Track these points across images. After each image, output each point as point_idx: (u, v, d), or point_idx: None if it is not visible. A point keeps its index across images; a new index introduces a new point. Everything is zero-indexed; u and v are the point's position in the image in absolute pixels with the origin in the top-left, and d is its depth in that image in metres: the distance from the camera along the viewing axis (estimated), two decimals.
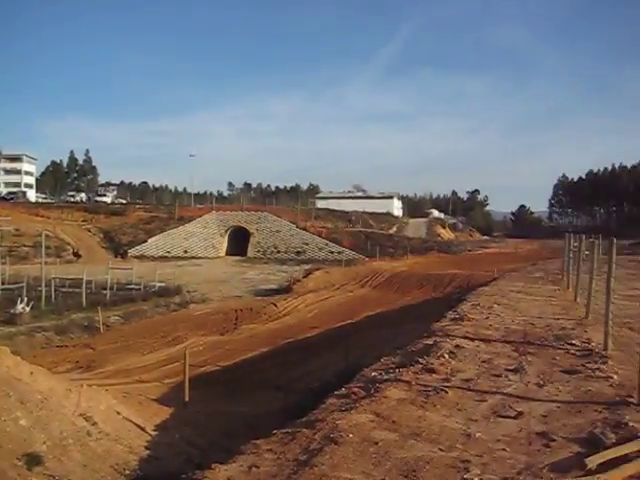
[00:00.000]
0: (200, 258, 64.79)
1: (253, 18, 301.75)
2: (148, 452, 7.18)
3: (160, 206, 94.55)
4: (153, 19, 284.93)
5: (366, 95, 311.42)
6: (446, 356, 7.92)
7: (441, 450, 4.71)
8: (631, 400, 6.05)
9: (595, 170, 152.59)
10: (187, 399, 12.37)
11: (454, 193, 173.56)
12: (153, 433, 8.38)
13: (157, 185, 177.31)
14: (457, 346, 8.63)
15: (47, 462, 5.55)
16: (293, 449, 4.89)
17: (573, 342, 9.21)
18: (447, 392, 6.24)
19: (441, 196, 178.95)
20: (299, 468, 4.40)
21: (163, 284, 37.97)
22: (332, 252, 65.24)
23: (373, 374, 7.42)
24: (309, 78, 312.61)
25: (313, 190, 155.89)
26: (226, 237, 71.54)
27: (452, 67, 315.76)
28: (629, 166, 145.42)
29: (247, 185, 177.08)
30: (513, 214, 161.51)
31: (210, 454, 7.96)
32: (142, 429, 8.21)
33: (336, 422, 5.31)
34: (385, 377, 7.01)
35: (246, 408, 14.10)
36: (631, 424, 5.29)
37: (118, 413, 8.39)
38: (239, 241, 70.33)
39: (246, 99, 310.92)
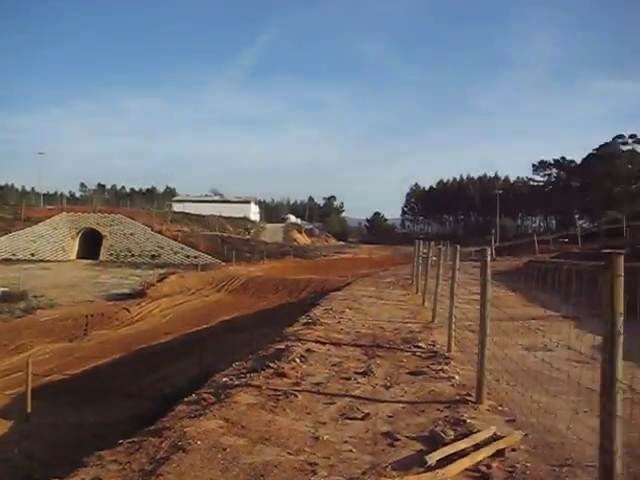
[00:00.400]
0: (49, 261, 61.75)
1: (108, 15, 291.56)
2: None
3: (5, 206, 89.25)
4: None
5: (225, 99, 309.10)
6: (297, 360, 8.00)
7: (289, 454, 4.75)
8: (469, 399, 6.41)
9: (445, 180, 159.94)
10: (29, 411, 11.77)
11: (311, 199, 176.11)
12: None
13: (2, 183, 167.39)
14: (308, 350, 8.75)
15: None
16: (139, 459, 4.75)
17: (419, 345, 9.61)
18: (297, 396, 6.31)
19: (298, 202, 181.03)
20: (145, 478, 4.29)
21: (6, 289, 35.92)
22: (188, 256, 64.32)
23: (224, 379, 7.37)
24: (167, 79, 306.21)
25: (169, 193, 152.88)
26: (77, 240, 68.65)
27: (311, 74, 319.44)
28: (475, 177, 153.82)
29: (100, 186, 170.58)
30: (368, 221, 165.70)
31: (53, 468, 7.61)
32: None
33: (184, 429, 5.22)
34: (236, 382, 6.97)
35: (95, 418, 13.61)
36: (469, 421, 5.60)
37: None
38: (91, 244, 67.70)
39: (101, 97, 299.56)
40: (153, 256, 64.97)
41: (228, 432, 5.20)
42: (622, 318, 3.27)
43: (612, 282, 3.30)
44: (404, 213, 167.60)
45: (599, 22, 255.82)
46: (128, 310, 30.67)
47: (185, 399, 6.72)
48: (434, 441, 5.08)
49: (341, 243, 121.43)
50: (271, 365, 7.65)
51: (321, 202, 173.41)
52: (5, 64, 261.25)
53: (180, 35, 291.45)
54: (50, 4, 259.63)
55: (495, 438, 5.09)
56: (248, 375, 7.32)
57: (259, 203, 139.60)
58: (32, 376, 12.75)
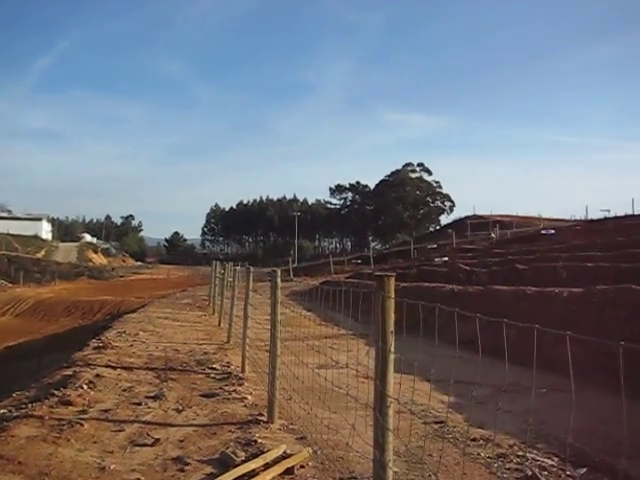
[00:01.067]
0: None
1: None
2: None
3: None
4: None
5: (14, 109, 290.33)
6: (85, 387, 7.64)
7: None
8: (261, 418, 6.49)
9: (245, 201, 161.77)
10: None
11: (108, 217, 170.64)
12: None
13: None
14: (97, 375, 8.40)
15: None
16: None
17: (214, 366, 9.59)
18: (83, 425, 6.01)
19: (95, 220, 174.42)
20: None
21: None
22: None
23: (1, 411, 6.85)
24: None
25: None
26: None
27: (107, 89, 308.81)
28: (275, 199, 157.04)
29: None
30: (167, 240, 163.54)
31: None
32: None
33: None
34: (15, 414, 6.49)
35: None
36: (260, 441, 5.68)
37: None
38: None
39: None
40: None
41: (2, 470, 4.83)
42: (393, 337, 3.48)
43: (383, 303, 3.50)
44: (204, 233, 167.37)
45: (392, 57, 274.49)
46: None
47: None
48: (225, 463, 5.08)
49: (139, 263, 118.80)
50: (56, 393, 7.24)
51: (119, 221, 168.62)
52: None
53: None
54: None
55: (285, 456, 5.20)
56: (30, 405, 6.85)
57: (52, 221, 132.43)
58: None
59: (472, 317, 3.09)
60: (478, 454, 5.76)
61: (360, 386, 5.58)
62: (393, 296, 3.47)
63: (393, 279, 3.52)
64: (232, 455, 5.19)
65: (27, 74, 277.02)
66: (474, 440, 6.15)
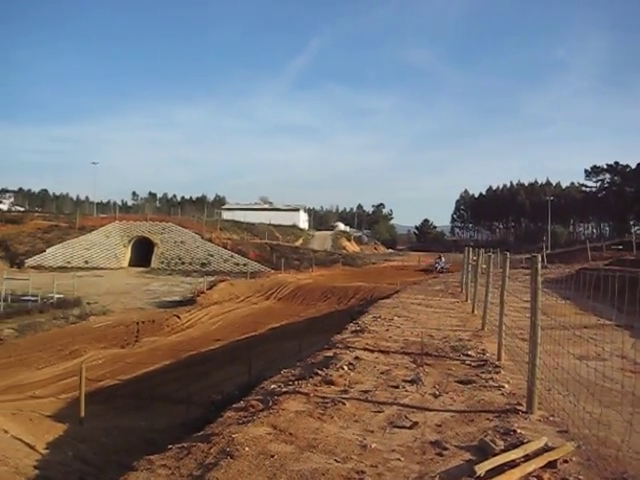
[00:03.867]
0: (102, 269, 62.98)
1: (160, 25, 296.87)
2: (37, 472, 6.89)
3: (60, 215, 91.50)
4: (58, 20, 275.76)
5: (274, 107, 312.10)
6: (345, 368, 7.98)
7: (337, 461, 4.73)
8: (520, 408, 6.28)
9: (495, 187, 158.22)
10: (83, 415, 11.98)
11: (360, 207, 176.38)
12: (44, 452, 8.07)
13: (58, 193, 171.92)
14: (356, 358, 8.72)
15: None
16: (188, 464, 4.80)
17: (469, 353, 9.49)
18: (345, 404, 6.28)
19: (347, 209, 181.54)
20: None
21: (62, 296, 36.67)
22: (237, 264, 64.80)
23: (272, 386, 7.39)
24: (217, 89, 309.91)
25: (219, 201, 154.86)
26: (129, 247, 69.85)
27: (359, 82, 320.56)
28: (526, 183, 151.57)
29: (152, 195, 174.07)
30: (417, 228, 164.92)
31: (106, 472, 7.74)
32: (32, 448, 7.89)
33: (232, 435, 5.24)
34: (284, 389, 6.98)
35: (146, 423, 13.80)
36: (519, 431, 5.49)
37: (5, 431, 8.03)
38: (143, 252, 68.83)
39: (152, 107, 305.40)
40: (203, 264, 65.66)
41: (276, 439, 5.21)
42: None
43: None
44: (453, 220, 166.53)
45: None
46: (178, 317, 31.05)
47: (234, 406, 6.76)
48: (483, 451, 5.00)
49: (390, 251, 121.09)
50: (319, 372, 7.65)
51: (370, 210, 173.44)
52: (62, 77, 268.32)
53: (229, 45, 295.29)
54: (99, 17, 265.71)
55: (546, 449, 4.98)
56: (296, 382, 7.33)
57: (308, 211, 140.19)
58: (86, 381, 12.98)
59: None
60: None
61: (626, 380, 5.21)
62: None
63: None
64: (491, 443, 5.09)
65: (284, 74, 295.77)
66: None
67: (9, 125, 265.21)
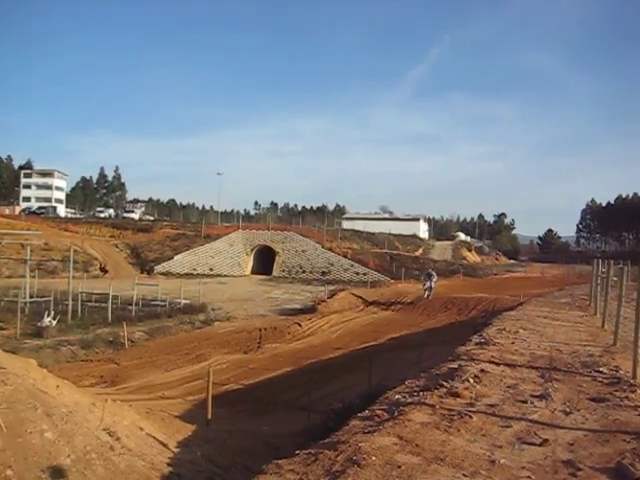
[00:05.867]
0: (226, 276, 64.91)
1: (281, 39, 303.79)
2: (170, 469, 7.18)
3: (187, 223, 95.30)
4: (183, 39, 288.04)
5: (393, 117, 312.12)
6: (471, 380, 7.84)
7: (465, 475, 4.65)
8: None
9: (624, 195, 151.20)
10: (210, 417, 12.36)
11: (480, 216, 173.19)
12: (175, 450, 8.38)
13: (184, 202, 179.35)
14: (482, 370, 8.55)
15: (70, 475, 5.58)
16: (315, 470, 4.86)
17: (600, 369, 9.08)
18: (471, 417, 6.17)
19: (468, 219, 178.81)
20: None
21: (188, 301, 38.06)
22: (357, 273, 65.07)
23: (397, 397, 7.37)
24: (336, 99, 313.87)
25: (339, 211, 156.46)
26: (252, 256, 71.68)
27: (480, 90, 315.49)
28: None
29: (273, 204, 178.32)
30: (540, 238, 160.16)
31: (231, 473, 7.95)
32: (165, 445, 8.22)
33: (359, 444, 5.27)
34: (409, 400, 6.95)
35: (269, 428, 14.06)
36: None
37: (141, 429, 8.41)
38: (265, 260, 70.47)
39: (273, 118, 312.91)
40: (323, 272, 66.36)
41: (402, 450, 5.19)
42: None
43: None
44: (579, 230, 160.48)
45: None
46: (300, 325, 31.48)
47: (359, 414, 6.78)
48: (622, 475, 4.76)
49: (511, 261, 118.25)
50: (444, 384, 7.56)
51: (491, 219, 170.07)
52: (191, 92, 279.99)
53: (348, 56, 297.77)
54: (228, 35, 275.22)
55: None
56: (421, 393, 7.28)
57: (428, 220, 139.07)
58: (212, 384, 13.39)
59: None
60: None
61: None
62: None
63: None
64: (630, 467, 4.85)
65: (404, 83, 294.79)
66: None
67: (141, 139, 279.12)
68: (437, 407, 6.52)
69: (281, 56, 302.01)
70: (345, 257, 68.69)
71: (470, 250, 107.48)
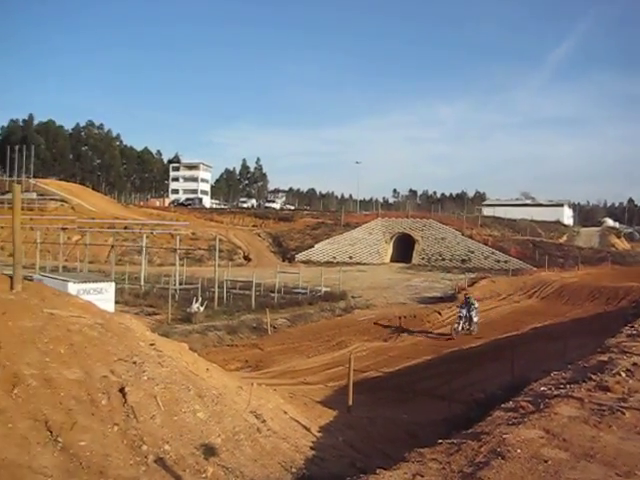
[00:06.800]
0: (365, 264, 65.33)
1: (419, 24, 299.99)
2: (313, 452, 7.34)
3: (327, 212, 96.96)
4: (321, 29, 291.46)
5: (534, 100, 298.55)
6: (622, 374, 7.46)
7: (618, 475, 4.44)
8: None
9: None
10: (350, 403, 12.54)
11: (630, 201, 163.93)
12: (317, 434, 8.56)
13: (324, 192, 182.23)
14: (635, 364, 8.09)
15: (221, 454, 5.85)
16: (458, 460, 4.82)
17: None
18: (624, 413, 5.86)
19: (616, 204, 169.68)
20: None
21: (328, 289, 38.64)
22: (498, 261, 63.52)
23: (542, 389, 7.15)
24: (475, 83, 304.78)
25: (479, 197, 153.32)
26: (391, 244, 71.76)
27: (629, 67, 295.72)
28: None
29: (412, 192, 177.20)
30: None
31: (372, 459, 8.03)
32: (307, 429, 8.41)
33: (503, 436, 5.17)
34: (555, 393, 6.71)
35: (408, 416, 14.07)
36: None
37: (285, 412, 8.67)
38: (403, 248, 70.31)
39: (412, 105, 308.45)
40: (463, 260, 65.34)
41: (549, 443, 5.03)
42: None
43: None
44: None
45: None
46: (439, 313, 31.18)
47: (502, 405, 6.65)
48: None
49: None
50: (593, 377, 7.24)
51: None
52: (328, 82, 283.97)
53: (487, 39, 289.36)
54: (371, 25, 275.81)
55: None
56: (568, 386, 7.01)
57: (573, 206, 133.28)
58: (352, 371, 13.55)
59: None
60: None
61: None
62: None
63: None
64: None
65: (545, 64, 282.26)
66: None
67: (282, 131, 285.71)
68: (586, 401, 6.26)
69: (417, 41, 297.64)
70: (485, 244, 67.31)
71: (619, 237, 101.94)
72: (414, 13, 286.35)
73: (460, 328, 27.29)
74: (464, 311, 27.81)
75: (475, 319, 28.01)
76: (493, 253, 65.42)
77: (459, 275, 50.79)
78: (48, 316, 6.83)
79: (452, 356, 22.14)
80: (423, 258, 68.09)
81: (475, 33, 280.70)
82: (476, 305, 28.65)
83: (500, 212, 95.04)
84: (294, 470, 6.38)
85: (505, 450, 4.81)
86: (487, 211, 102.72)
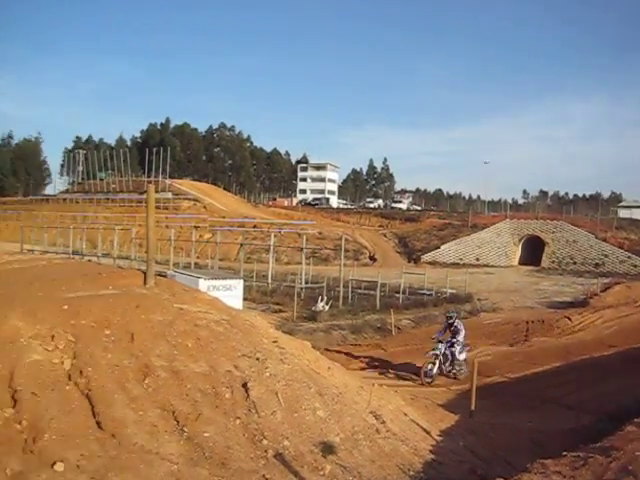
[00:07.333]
0: (492, 266, 64.03)
1: (555, 15, 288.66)
2: (432, 456, 7.32)
3: (453, 213, 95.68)
4: (450, 31, 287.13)
5: None
6: None
7: None
8: None
9: None
10: (473, 408, 12.36)
11: None
12: (438, 438, 8.51)
13: (451, 192, 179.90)
14: None
15: (339, 453, 5.95)
16: (584, 475, 4.66)
17: None
18: None
19: None
20: None
21: (454, 291, 38.17)
22: (635, 266, 60.35)
23: None
24: (611, 79, 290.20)
25: (615, 198, 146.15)
26: (520, 246, 69.88)
27: None
28: None
29: (543, 193, 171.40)
30: None
31: (493, 466, 7.89)
32: (427, 433, 8.39)
33: (635, 453, 4.94)
34: None
35: (533, 424, 13.69)
36: None
37: (405, 414, 8.68)
38: (532, 250, 68.25)
39: (543, 103, 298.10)
40: (596, 264, 62.59)
41: None
42: None
43: None
44: None
45: None
46: (569, 319, 30.01)
47: (635, 420, 6.36)
48: None
49: None
50: None
51: None
52: (456, 83, 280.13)
53: (623, 31, 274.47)
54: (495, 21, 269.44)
55: None
56: None
57: None
58: (476, 375, 13.34)
59: None
60: None
61: None
62: None
63: None
64: None
65: None
66: None
67: (410, 131, 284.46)
68: None
69: (549, 36, 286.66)
70: (621, 248, 64.11)
71: None
72: (550, 5, 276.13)
73: (435, 371, 18.15)
74: (442, 345, 18.52)
75: (461, 356, 18.85)
76: (629, 257, 62.24)
77: (591, 279, 48.67)
78: (177, 311, 7.19)
79: (582, 364, 21.25)
80: (553, 261, 65.85)
81: (610, 27, 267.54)
82: (463, 332, 19.20)
83: (638, 214, 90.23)
84: (412, 473, 6.39)
85: (637, 469, 4.59)
86: (623, 213, 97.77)
